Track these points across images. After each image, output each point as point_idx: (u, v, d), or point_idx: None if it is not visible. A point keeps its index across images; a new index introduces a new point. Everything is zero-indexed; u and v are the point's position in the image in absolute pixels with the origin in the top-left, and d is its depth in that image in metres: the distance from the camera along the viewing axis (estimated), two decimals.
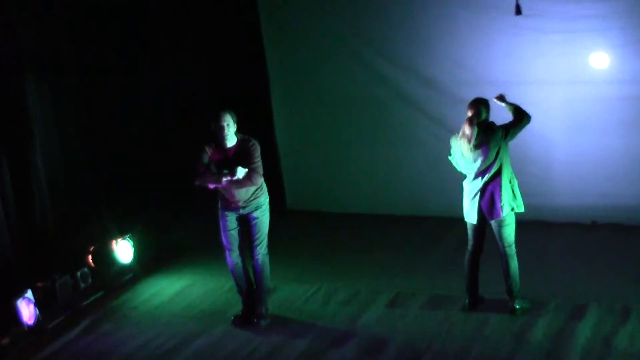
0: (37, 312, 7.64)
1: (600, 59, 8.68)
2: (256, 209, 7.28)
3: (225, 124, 6.99)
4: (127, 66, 9.42)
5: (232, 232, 7.36)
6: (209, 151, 7.09)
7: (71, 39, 8.77)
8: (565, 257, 8.40)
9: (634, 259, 8.26)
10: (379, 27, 9.41)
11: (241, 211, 7.28)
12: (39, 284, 7.83)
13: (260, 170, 7.12)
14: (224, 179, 6.99)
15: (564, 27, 8.68)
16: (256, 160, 7.08)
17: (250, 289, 7.55)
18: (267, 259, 7.45)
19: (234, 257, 7.41)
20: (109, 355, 7.23)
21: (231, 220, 7.33)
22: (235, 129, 7.07)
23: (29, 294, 7.60)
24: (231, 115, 7.03)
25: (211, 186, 7.16)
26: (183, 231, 9.45)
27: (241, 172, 6.89)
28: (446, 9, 9.09)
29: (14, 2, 8.19)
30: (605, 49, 8.65)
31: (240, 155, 7.07)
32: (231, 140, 7.06)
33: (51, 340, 7.53)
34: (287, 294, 7.97)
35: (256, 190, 7.25)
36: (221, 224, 7.37)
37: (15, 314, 7.48)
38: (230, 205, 7.27)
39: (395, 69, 9.47)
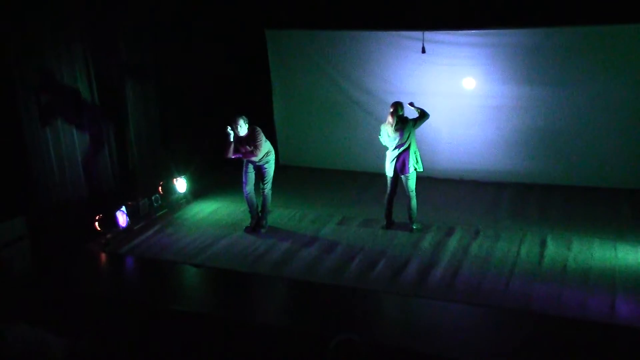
0: (128, 219, 7.68)
1: (470, 82, 8.72)
2: (266, 163, 7.30)
3: (238, 125, 6.96)
4: (184, 74, 9.16)
5: (249, 174, 7.37)
6: (232, 132, 7.03)
7: (153, 52, 8.57)
8: (443, 198, 8.47)
9: (483, 200, 8.36)
10: (342, 59, 9.28)
11: (257, 163, 7.29)
12: (129, 203, 7.82)
13: (261, 147, 7.08)
14: (242, 150, 7.06)
15: (450, 62, 8.66)
16: (258, 141, 7.05)
17: (256, 209, 7.56)
18: (270, 193, 7.46)
19: (247, 189, 7.41)
20: (171, 247, 7.29)
21: (250, 167, 7.34)
22: (246, 126, 7.00)
23: (123, 208, 7.66)
24: (243, 119, 6.99)
25: (233, 156, 7.16)
26: (216, 174, 9.35)
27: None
28: (381, 50, 9.00)
29: (117, 25, 7.96)
30: (473, 76, 8.69)
31: (249, 137, 7.05)
32: (243, 132, 7.02)
33: (136, 237, 7.55)
34: (277, 215, 7.98)
35: (267, 152, 7.28)
36: (243, 168, 7.37)
37: (114, 220, 7.57)
38: (250, 160, 7.28)
39: (350, 84, 9.35)
